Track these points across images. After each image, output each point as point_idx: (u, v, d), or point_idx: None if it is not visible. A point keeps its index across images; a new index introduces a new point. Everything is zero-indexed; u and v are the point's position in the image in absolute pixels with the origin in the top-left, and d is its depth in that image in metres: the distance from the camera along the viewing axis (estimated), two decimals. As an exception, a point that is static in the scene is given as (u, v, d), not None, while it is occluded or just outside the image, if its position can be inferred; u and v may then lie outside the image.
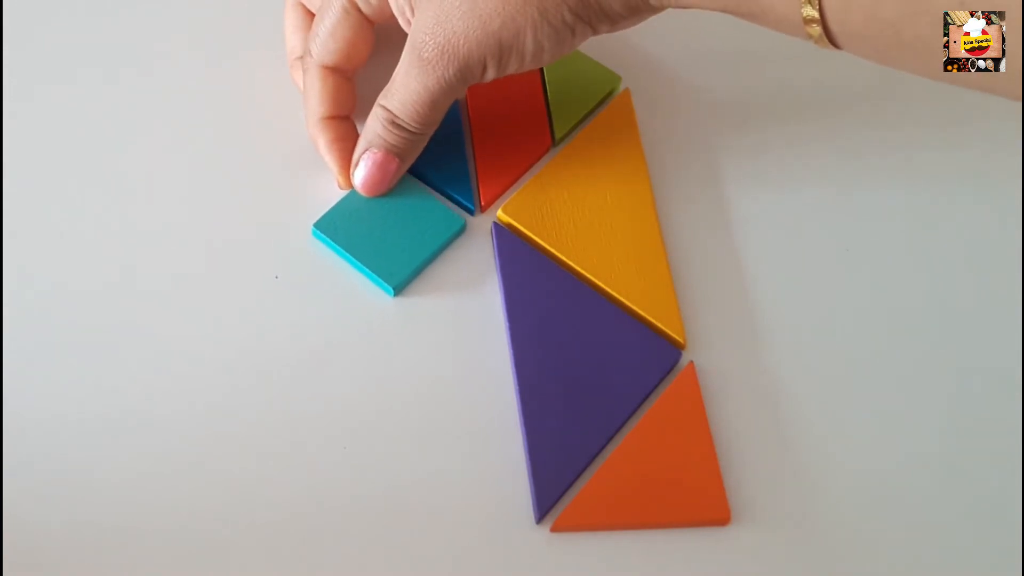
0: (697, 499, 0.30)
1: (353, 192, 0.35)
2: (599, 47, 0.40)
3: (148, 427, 0.31)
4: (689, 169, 0.38)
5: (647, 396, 0.32)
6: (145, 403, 0.31)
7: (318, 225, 0.34)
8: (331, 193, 0.35)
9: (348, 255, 0.34)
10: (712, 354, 0.33)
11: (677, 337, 0.33)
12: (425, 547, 0.29)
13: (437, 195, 0.36)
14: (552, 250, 0.35)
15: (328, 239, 0.34)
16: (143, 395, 0.31)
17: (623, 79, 0.39)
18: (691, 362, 0.33)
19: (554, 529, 0.30)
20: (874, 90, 0.40)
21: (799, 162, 0.38)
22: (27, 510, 0.29)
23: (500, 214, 0.35)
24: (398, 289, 0.34)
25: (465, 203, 0.36)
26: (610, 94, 0.39)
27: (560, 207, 0.35)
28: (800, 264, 0.36)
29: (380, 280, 0.34)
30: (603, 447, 0.31)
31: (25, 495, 0.29)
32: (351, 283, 0.34)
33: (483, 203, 0.36)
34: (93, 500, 0.29)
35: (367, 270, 0.34)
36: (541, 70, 0.39)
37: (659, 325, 0.33)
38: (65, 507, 0.29)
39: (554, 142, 0.38)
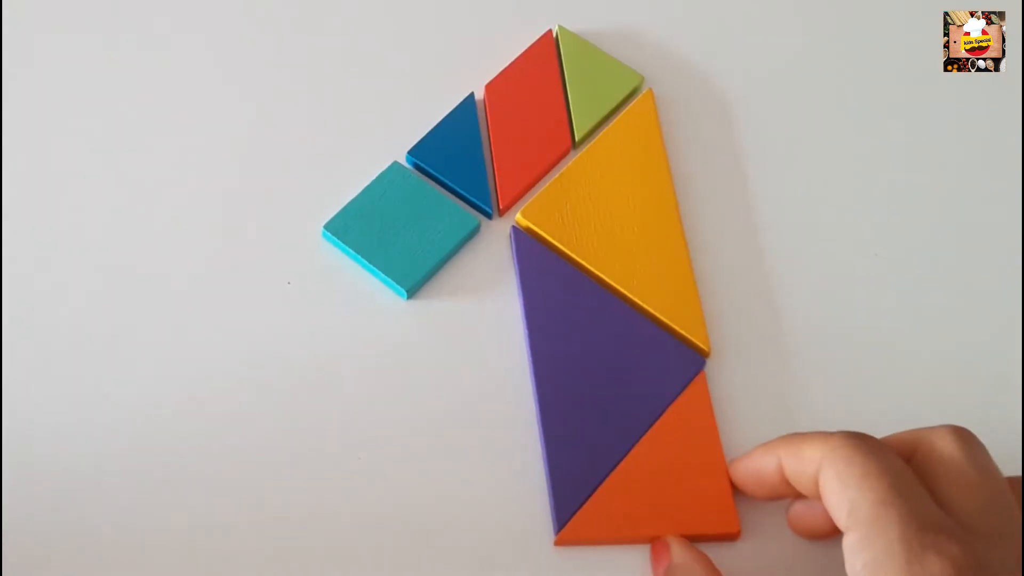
0: (707, 513, 0.33)
1: (364, 192, 0.39)
2: (621, 45, 0.44)
3: (156, 434, 0.34)
4: (713, 171, 0.41)
5: (668, 407, 0.35)
6: (154, 410, 0.34)
7: (328, 226, 0.38)
8: (341, 193, 0.39)
9: (359, 257, 0.37)
10: (737, 362, 0.37)
11: (701, 345, 0.36)
12: (441, 561, 0.32)
13: (453, 198, 0.40)
14: (572, 255, 0.38)
15: (338, 240, 0.38)
16: (152, 402, 0.35)
17: (645, 78, 0.43)
18: (702, 371, 0.36)
19: (558, 542, 0.33)
20: (905, 93, 0.44)
21: (826, 165, 0.42)
22: (41, 515, 0.32)
23: (519, 218, 0.39)
24: (411, 292, 0.37)
25: (482, 206, 0.39)
26: (632, 94, 0.43)
27: (580, 210, 0.39)
28: (828, 269, 0.39)
29: (392, 283, 0.37)
30: (623, 461, 0.34)
31: (41, 499, 0.33)
32: (362, 286, 0.37)
33: (501, 206, 0.40)
34: (101, 508, 0.33)
35: (379, 272, 0.37)
36: (561, 68, 0.43)
37: (683, 332, 0.37)
38: (73, 514, 0.32)
39: (574, 143, 0.42)
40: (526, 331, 0.37)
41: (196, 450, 0.34)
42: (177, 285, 0.38)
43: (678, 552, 0.31)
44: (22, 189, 0.40)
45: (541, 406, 0.35)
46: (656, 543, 0.32)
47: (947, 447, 0.28)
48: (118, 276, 0.38)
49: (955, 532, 0.25)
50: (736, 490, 0.33)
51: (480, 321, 0.37)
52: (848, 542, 0.26)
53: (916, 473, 0.27)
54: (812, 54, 0.45)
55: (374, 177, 0.40)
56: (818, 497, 0.28)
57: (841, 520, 0.26)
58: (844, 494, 0.26)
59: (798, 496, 0.31)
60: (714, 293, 0.38)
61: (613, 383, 0.36)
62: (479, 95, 0.42)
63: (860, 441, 0.27)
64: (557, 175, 0.40)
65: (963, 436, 0.28)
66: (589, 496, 0.33)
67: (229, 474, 0.34)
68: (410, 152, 0.40)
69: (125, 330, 0.36)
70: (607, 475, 0.34)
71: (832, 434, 0.28)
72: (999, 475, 0.28)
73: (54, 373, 0.35)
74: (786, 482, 0.30)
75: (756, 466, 0.31)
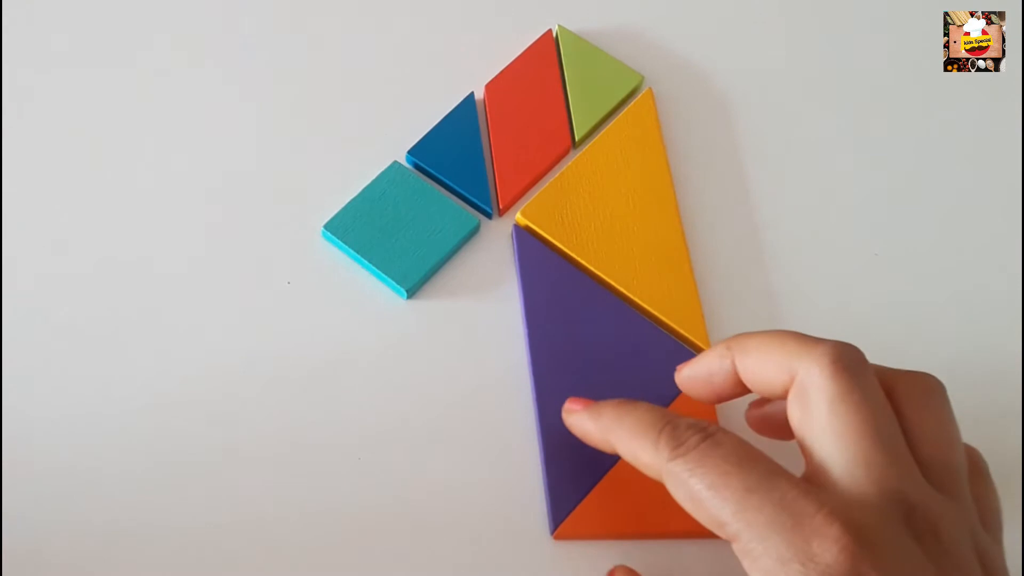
0: None
1: (363, 192, 0.39)
2: (621, 45, 0.45)
3: (156, 434, 0.34)
4: (713, 170, 0.42)
5: (669, 405, 0.36)
6: (154, 410, 0.35)
7: (328, 226, 0.38)
8: (341, 193, 0.39)
9: (359, 257, 0.38)
10: (738, 362, 0.38)
11: (701, 344, 0.37)
12: (439, 559, 0.33)
13: (453, 197, 0.40)
14: (572, 254, 0.38)
15: (338, 240, 0.38)
16: (152, 401, 0.35)
17: (645, 78, 0.44)
18: None
19: (557, 536, 0.33)
20: (903, 93, 0.44)
21: (826, 164, 0.42)
22: (35, 517, 0.33)
23: (519, 217, 0.39)
24: (411, 292, 0.38)
25: (482, 206, 0.40)
26: (632, 93, 0.43)
27: (580, 210, 0.40)
28: (828, 269, 0.40)
29: (392, 282, 0.37)
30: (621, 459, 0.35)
31: (36, 501, 0.33)
32: (362, 286, 0.38)
33: (501, 206, 0.40)
34: (101, 509, 0.33)
35: (379, 272, 0.38)
36: (561, 68, 0.44)
37: (683, 332, 0.37)
38: (73, 515, 0.33)
39: (574, 143, 0.42)
40: (526, 331, 0.37)
41: (196, 450, 0.34)
42: (177, 285, 0.38)
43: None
44: (25, 188, 0.40)
45: (540, 405, 0.35)
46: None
47: (816, 392, 0.26)
48: (118, 276, 0.38)
49: (832, 508, 0.24)
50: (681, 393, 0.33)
51: (480, 321, 0.38)
52: (736, 552, 0.26)
53: (793, 413, 0.27)
54: (812, 54, 0.46)
55: (374, 177, 0.40)
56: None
57: (715, 530, 0.26)
58: (702, 506, 0.26)
59: (737, 395, 0.30)
60: (714, 293, 0.39)
61: (612, 383, 0.36)
62: (479, 95, 0.43)
63: (694, 447, 0.26)
64: (557, 175, 0.41)
65: (835, 375, 0.26)
66: (587, 494, 0.34)
67: (229, 473, 0.34)
68: (410, 152, 0.41)
69: (125, 329, 0.37)
70: (605, 473, 0.34)
71: (660, 433, 0.27)
72: (868, 416, 0.26)
73: (54, 372, 0.36)
74: (737, 384, 0.30)
75: (707, 369, 0.30)
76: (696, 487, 0.26)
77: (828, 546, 0.23)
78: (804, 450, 0.27)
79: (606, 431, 0.30)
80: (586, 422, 0.31)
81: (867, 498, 0.25)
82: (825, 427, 0.26)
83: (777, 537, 0.24)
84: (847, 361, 0.27)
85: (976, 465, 0.29)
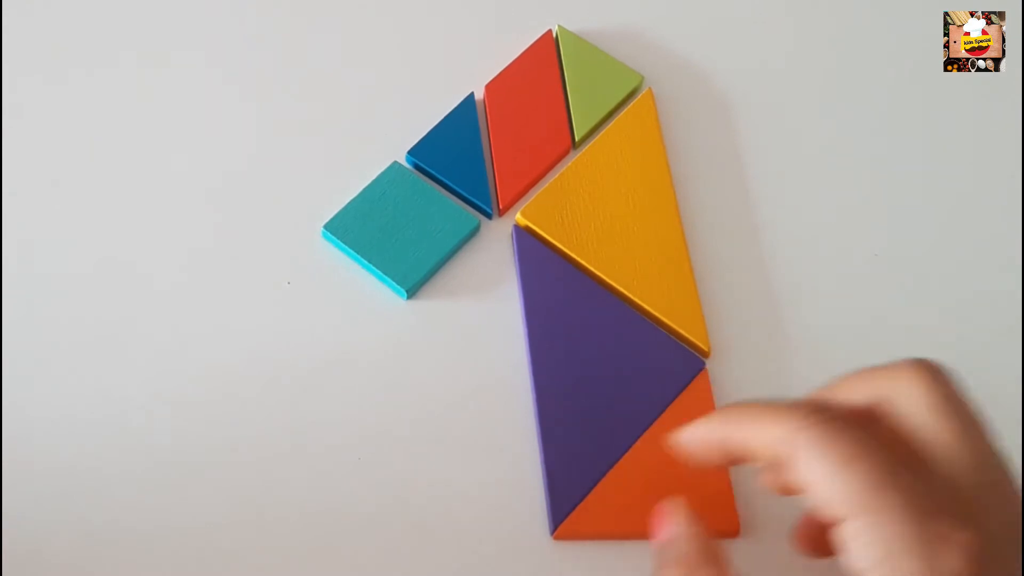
0: (707, 511, 0.33)
1: (363, 192, 0.39)
2: (621, 45, 0.45)
3: (156, 434, 0.34)
4: (713, 171, 0.42)
5: (669, 406, 0.36)
6: (154, 411, 0.35)
7: (328, 226, 0.38)
8: (341, 193, 0.39)
9: (359, 257, 0.38)
10: (737, 362, 0.37)
11: (701, 345, 0.37)
12: (439, 559, 0.33)
13: (453, 198, 0.40)
14: (572, 254, 0.38)
15: (338, 240, 0.38)
16: (153, 402, 0.35)
17: (645, 78, 0.44)
18: (704, 369, 0.36)
19: (557, 536, 0.33)
20: (903, 93, 0.44)
21: (826, 165, 0.42)
22: (35, 517, 0.33)
23: (519, 217, 0.39)
24: (411, 292, 0.38)
25: (482, 206, 0.40)
26: (632, 94, 0.43)
27: (580, 210, 0.40)
28: (828, 269, 0.40)
29: (392, 283, 0.37)
30: (622, 458, 0.35)
31: (37, 502, 0.33)
32: (362, 286, 0.38)
33: (501, 206, 0.40)
34: (101, 509, 0.33)
35: (379, 272, 0.38)
36: (561, 68, 0.44)
37: (683, 332, 0.37)
38: (73, 515, 0.33)
39: (574, 143, 0.42)
40: (526, 331, 0.37)
41: (196, 449, 0.34)
42: (178, 285, 0.38)
43: (673, 525, 0.29)
44: (25, 188, 0.40)
45: (540, 405, 0.35)
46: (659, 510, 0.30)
47: (915, 403, 0.26)
48: (118, 276, 0.38)
49: (957, 512, 0.24)
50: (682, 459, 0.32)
51: (480, 321, 0.38)
52: (850, 532, 0.25)
53: (889, 439, 0.26)
54: (812, 54, 0.46)
55: (374, 177, 0.40)
56: (778, 466, 0.27)
57: (835, 506, 0.25)
58: (836, 477, 0.25)
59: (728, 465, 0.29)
60: (714, 293, 0.39)
61: (612, 383, 0.36)
62: (479, 95, 0.43)
63: (830, 420, 0.26)
64: (557, 175, 0.41)
65: (930, 385, 0.26)
66: (586, 493, 0.34)
67: (229, 473, 0.34)
68: (410, 152, 0.41)
69: (125, 329, 0.37)
70: (604, 473, 0.34)
71: (794, 410, 0.26)
72: (977, 420, 0.26)
73: (54, 372, 0.36)
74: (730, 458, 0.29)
75: (703, 438, 0.30)
76: (833, 456, 0.25)
77: (954, 552, 0.23)
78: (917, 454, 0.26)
79: (721, 424, 0.29)
80: (696, 428, 0.30)
81: (991, 504, 0.25)
82: (940, 430, 0.25)
83: (899, 528, 0.23)
84: (935, 371, 0.27)
85: None
